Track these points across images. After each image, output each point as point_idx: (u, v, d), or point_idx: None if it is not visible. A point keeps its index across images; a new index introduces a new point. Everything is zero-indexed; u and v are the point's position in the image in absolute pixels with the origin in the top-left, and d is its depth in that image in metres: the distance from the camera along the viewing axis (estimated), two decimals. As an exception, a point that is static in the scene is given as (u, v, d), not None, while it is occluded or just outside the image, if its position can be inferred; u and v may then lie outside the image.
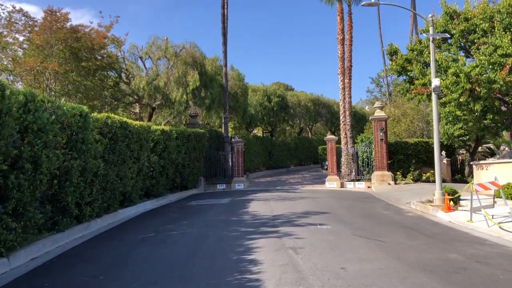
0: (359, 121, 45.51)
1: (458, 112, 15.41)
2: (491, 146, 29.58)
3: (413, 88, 16.83)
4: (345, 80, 25.97)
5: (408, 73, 17.30)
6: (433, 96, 14.56)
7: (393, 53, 18.37)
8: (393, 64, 17.97)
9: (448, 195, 13.07)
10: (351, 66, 25.95)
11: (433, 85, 14.29)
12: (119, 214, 13.52)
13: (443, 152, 24.92)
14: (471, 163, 18.55)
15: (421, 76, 16.37)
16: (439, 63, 15.76)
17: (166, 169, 18.34)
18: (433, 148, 25.72)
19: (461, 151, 29.37)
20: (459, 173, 26.44)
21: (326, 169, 38.16)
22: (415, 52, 17.96)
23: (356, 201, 16.55)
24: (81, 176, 10.55)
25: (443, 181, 24.57)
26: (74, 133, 9.85)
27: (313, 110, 45.57)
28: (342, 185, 23.85)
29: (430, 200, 14.88)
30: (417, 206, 14.55)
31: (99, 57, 20.09)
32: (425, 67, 17.54)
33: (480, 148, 28.26)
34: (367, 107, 67.76)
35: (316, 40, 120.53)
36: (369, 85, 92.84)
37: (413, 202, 15.18)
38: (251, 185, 25.93)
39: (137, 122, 14.73)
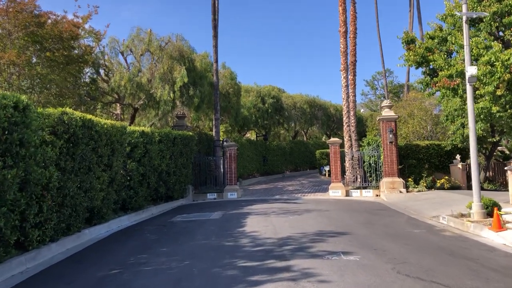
0: (356, 124, 43.14)
1: (494, 109, 12.92)
2: (504, 149, 27.31)
3: (436, 81, 14.30)
4: (349, 77, 23.48)
5: (431, 64, 14.76)
6: (468, 88, 12.03)
7: (410, 42, 15.86)
8: (411, 54, 15.44)
9: (494, 209, 10.49)
10: (355, 61, 23.46)
11: (468, 74, 11.78)
12: (84, 235, 10.81)
13: (458, 156, 22.46)
14: (505, 168, 16.06)
15: (446, 67, 13.85)
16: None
17: (147, 177, 15.65)
18: (445, 152, 23.44)
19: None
20: (473, 179, 23.92)
21: (325, 175, 35.78)
22: (435, 40, 15.47)
23: (372, 214, 13.95)
24: (22, 191, 7.83)
25: (458, 187, 22.24)
26: (6, 132, 7.12)
27: (309, 112, 43.14)
28: (347, 194, 21.29)
29: (463, 213, 12.34)
30: (450, 221, 11.97)
31: (69, 48, 17.28)
32: (449, 56, 15.06)
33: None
34: (362, 110, 65.72)
35: (311, 42, 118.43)
36: (363, 87, 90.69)
37: (442, 216, 12.61)
38: (245, 193, 23.26)
39: (108, 121, 12.01)
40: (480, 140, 21.72)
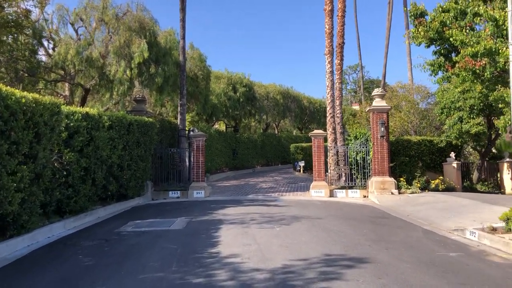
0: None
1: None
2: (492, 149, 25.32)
3: (455, 62, 11.63)
4: (335, 61, 20.69)
5: (449, 41, 12.06)
6: None
7: (419, 15, 13.13)
8: (421, 30, 12.70)
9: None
10: (343, 43, 20.68)
11: (513, 48, 9.11)
12: (-15, 256, 7.47)
13: (452, 154, 20.10)
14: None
15: (471, 43, 11.18)
16: (498, 21, 10.65)
17: (91, 172, 12.31)
18: (437, 149, 21.03)
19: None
20: (466, 180, 21.67)
21: (299, 171, 32.99)
22: (451, 14, 12.80)
23: (375, 224, 11.15)
24: None
25: (453, 189, 19.80)
26: None
27: (282, 103, 40.42)
28: (331, 194, 18.56)
29: (494, 227, 9.72)
30: (482, 238, 9.26)
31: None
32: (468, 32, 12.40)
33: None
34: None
35: (285, 31, 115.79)
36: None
37: (470, 230, 9.90)
38: (213, 191, 20.12)
39: (29, 94, 8.61)
40: (476, 136, 19.50)
